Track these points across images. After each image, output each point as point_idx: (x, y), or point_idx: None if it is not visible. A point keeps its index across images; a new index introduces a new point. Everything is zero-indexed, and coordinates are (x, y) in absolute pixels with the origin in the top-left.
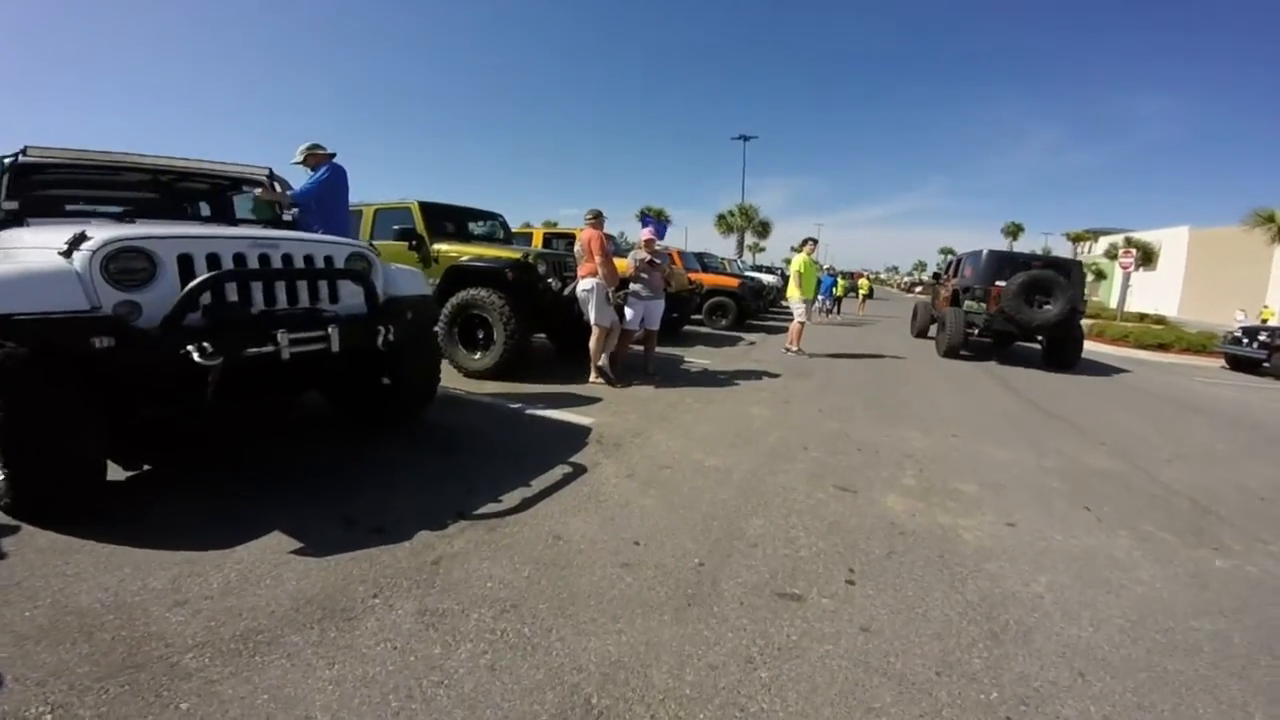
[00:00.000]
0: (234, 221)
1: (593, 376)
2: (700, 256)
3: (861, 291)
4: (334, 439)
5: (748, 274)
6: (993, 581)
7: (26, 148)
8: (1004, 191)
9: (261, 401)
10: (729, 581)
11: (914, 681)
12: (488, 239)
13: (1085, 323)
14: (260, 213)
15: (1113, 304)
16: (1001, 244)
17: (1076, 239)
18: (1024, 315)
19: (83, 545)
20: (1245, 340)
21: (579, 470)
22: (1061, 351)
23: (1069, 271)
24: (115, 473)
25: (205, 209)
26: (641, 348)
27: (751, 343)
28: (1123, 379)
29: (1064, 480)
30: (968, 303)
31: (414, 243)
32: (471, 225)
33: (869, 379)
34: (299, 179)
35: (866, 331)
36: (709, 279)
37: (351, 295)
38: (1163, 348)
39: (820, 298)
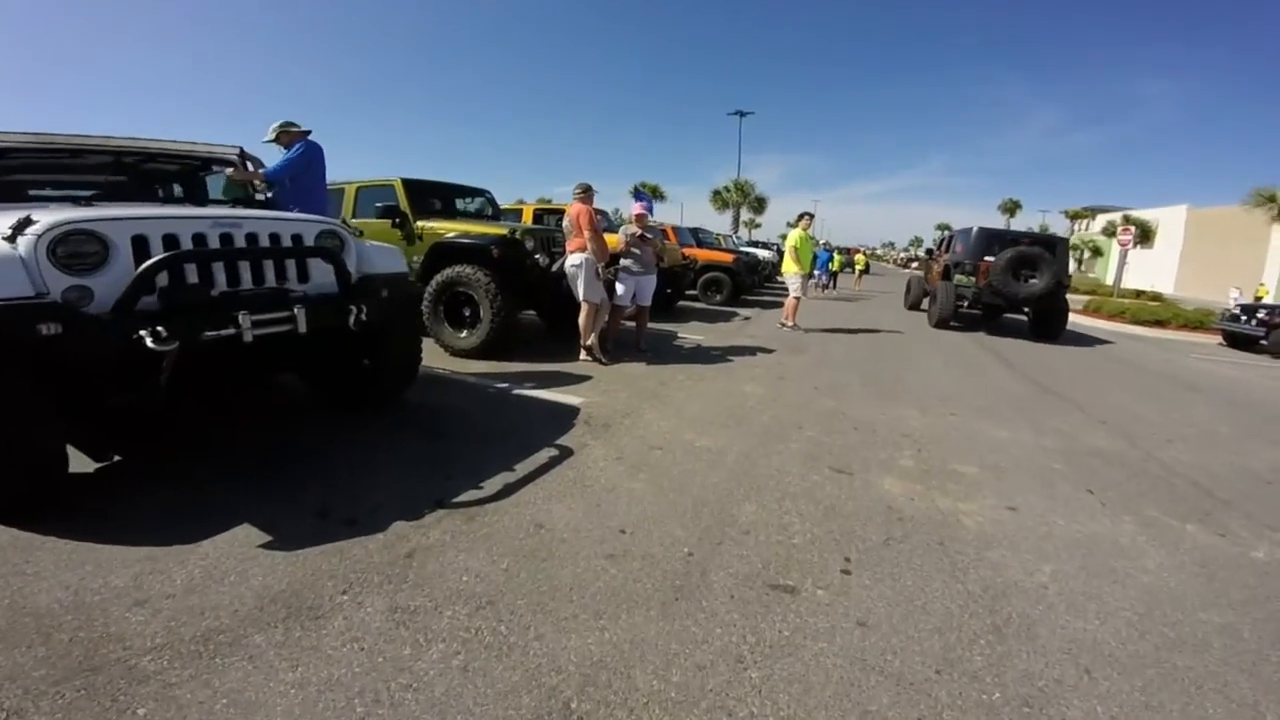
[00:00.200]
0: (206, 202)
1: (582, 354)
2: (695, 232)
3: (858, 267)
4: (312, 424)
5: (743, 249)
6: (995, 571)
7: None
8: (1003, 170)
9: (230, 387)
10: (719, 572)
11: (913, 681)
12: (475, 216)
13: (1082, 299)
14: (232, 193)
15: (1109, 280)
16: (999, 221)
17: (1074, 216)
18: (1011, 289)
19: (44, 542)
20: (1243, 318)
21: (565, 453)
22: (1047, 323)
23: (1054, 247)
24: (83, 464)
25: (178, 191)
26: (634, 324)
27: (746, 318)
28: (1119, 354)
29: (1065, 461)
30: (958, 277)
31: (397, 220)
32: (459, 202)
33: (865, 354)
34: (275, 159)
35: (862, 306)
36: (703, 254)
37: (323, 275)
38: (1160, 324)
39: (817, 273)
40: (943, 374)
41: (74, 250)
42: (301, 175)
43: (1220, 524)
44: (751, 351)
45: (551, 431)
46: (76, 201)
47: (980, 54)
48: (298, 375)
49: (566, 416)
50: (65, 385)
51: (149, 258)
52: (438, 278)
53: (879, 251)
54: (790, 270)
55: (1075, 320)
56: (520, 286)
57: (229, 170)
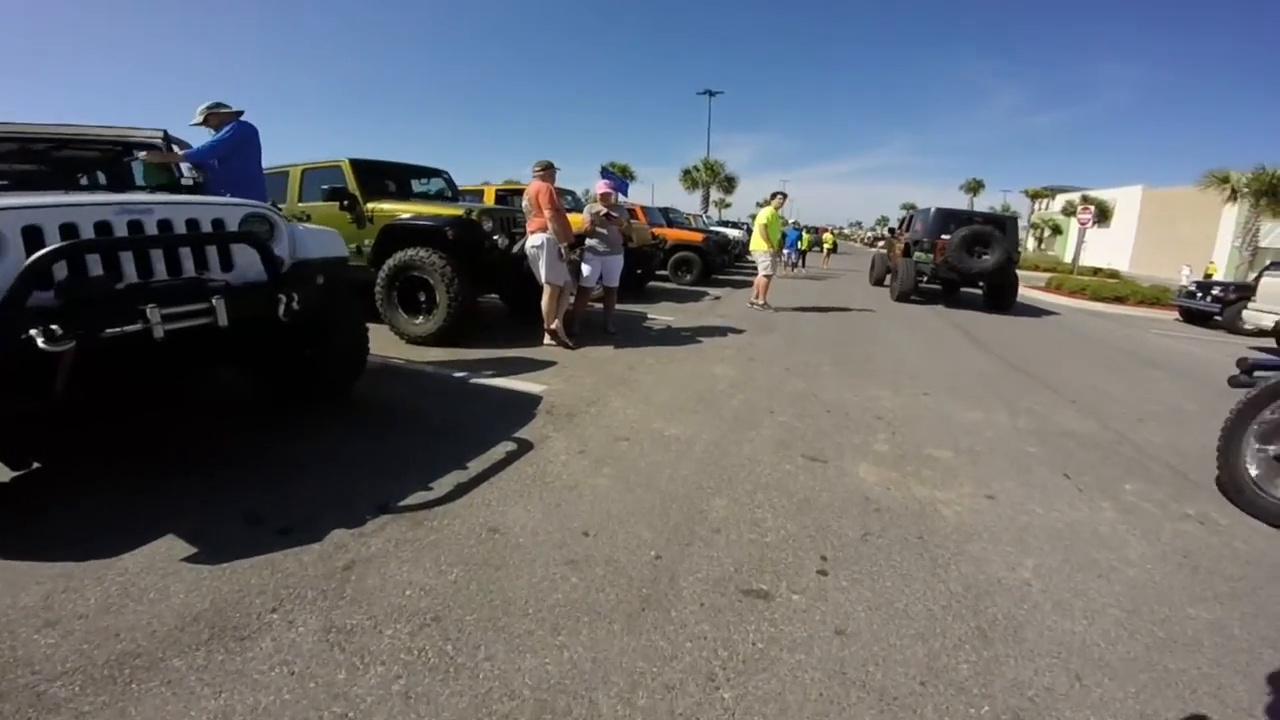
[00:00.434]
0: (133, 189)
1: (547, 339)
2: (665, 212)
3: (826, 246)
4: (250, 421)
5: (713, 229)
6: (976, 566)
7: None
8: (967, 150)
9: (149, 386)
10: (688, 577)
11: (896, 696)
12: (433, 197)
13: (1044, 276)
14: (153, 178)
15: (1068, 258)
16: (962, 200)
17: (1035, 196)
18: (965, 264)
19: None
20: (1199, 294)
21: (524, 447)
22: (999, 295)
23: (1004, 226)
24: None
25: (103, 178)
26: (601, 305)
27: (716, 298)
28: (1083, 330)
29: (1040, 444)
30: (917, 254)
31: (345, 202)
32: (415, 183)
33: (835, 333)
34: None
35: (830, 285)
36: (673, 234)
37: (251, 262)
38: (1119, 300)
39: (786, 251)
40: (912, 351)
41: None
42: (233, 158)
43: (1198, 509)
44: (722, 332)
45: (510, 423)
46: None
47: (944, 35)
48: (238, 370)
49: (527, 406)
50: None
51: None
52: (389, 261)
53: (846, 231)
54: (759, 248)
55: (1037, 297)
56: (478, 269)
57: (142, 154)
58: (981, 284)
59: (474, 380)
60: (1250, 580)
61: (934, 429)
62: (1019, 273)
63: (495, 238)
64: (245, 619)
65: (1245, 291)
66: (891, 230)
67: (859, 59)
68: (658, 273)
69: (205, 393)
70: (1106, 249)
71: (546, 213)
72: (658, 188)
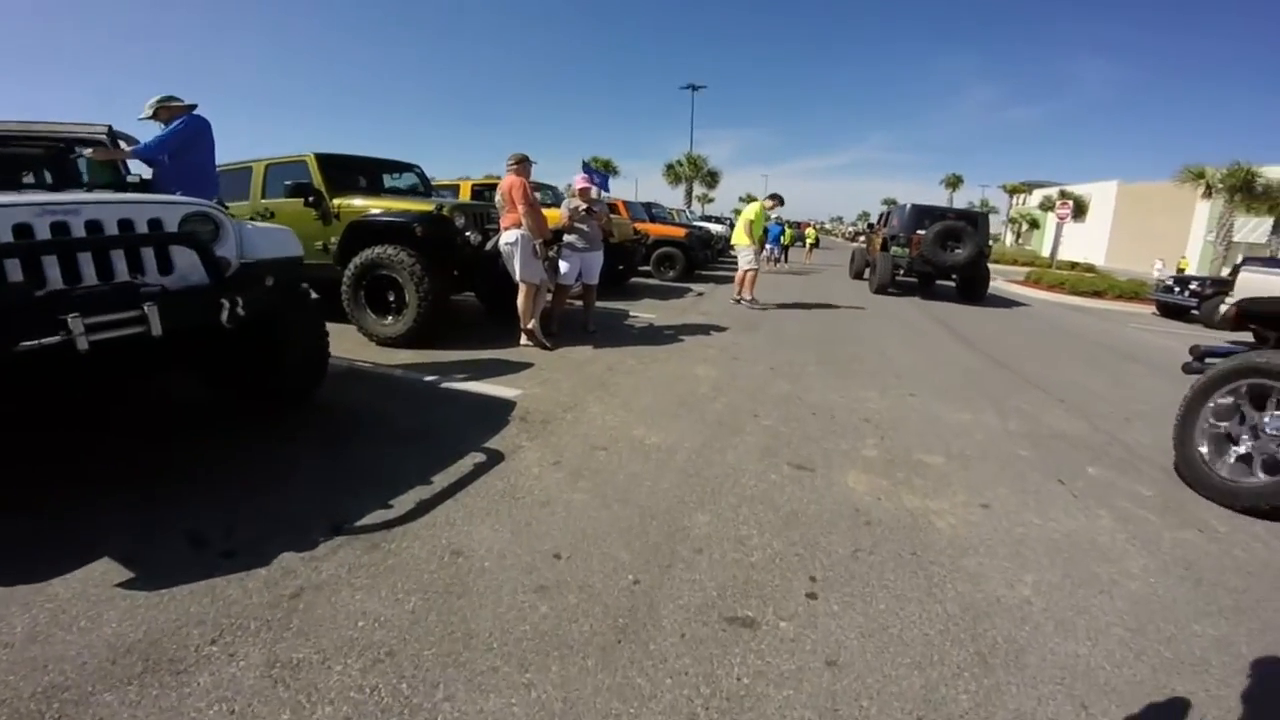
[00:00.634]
0: (81, 187)
1: (523, 339)
2: (648, 207)
3: (808, 240)
4: (200, 430)
5: (696, 224)
6: (974, 584)
7: None
8: (947, 145)
9: (81, 398)
10: (669, 604)
11: None
12: (405, 193)
13: (1022, 270)
14: (98, 175)
15: (1046, 252)
16: (942, 194)
17: (1013, 191)
18: (939, 258)
19: None
20: (1176, 289)
21: (494, 458)
22: (971, 287)
23: (976, 222)
24: None
25: (49, 177)
26: (580, 303)
27: (700, 294)
28: (1061, 324)
29: (1031, 446)
30: (894, 248)
31: (311, 199)
32: (387, 178)
33: (818, 329)
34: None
35: (813, 280)
36: (655, 229)
37: (195, 264)
38: (1098, 294)
39: (769, 246)
40: (897, 348)
41: None
42: (185, 153)
43: (1194, 516)
44: (705, 330)
45: (481, 432)
46: None
47: (923, 31)
48: (187, 375)
49: (500, 413)
50: None
51: None
52: (356, 260)
53: (828, 225)
54: (742, 242)
55: (1016, 291)
56: (451, 267)
57: (88, 150)
58: (955, 277)
59: (444, 384)
60: (1254, 592)
61: (923, 432)
62: (996, 266)
63: (468, 234)
64: (183, 651)
65: (1222, 286)
66: (870, 225)
67: (840, 55)
68: (640, 268)
69: (150, 400)
70: (1082, 243)
71: (520, 208)
72: (641, 183)
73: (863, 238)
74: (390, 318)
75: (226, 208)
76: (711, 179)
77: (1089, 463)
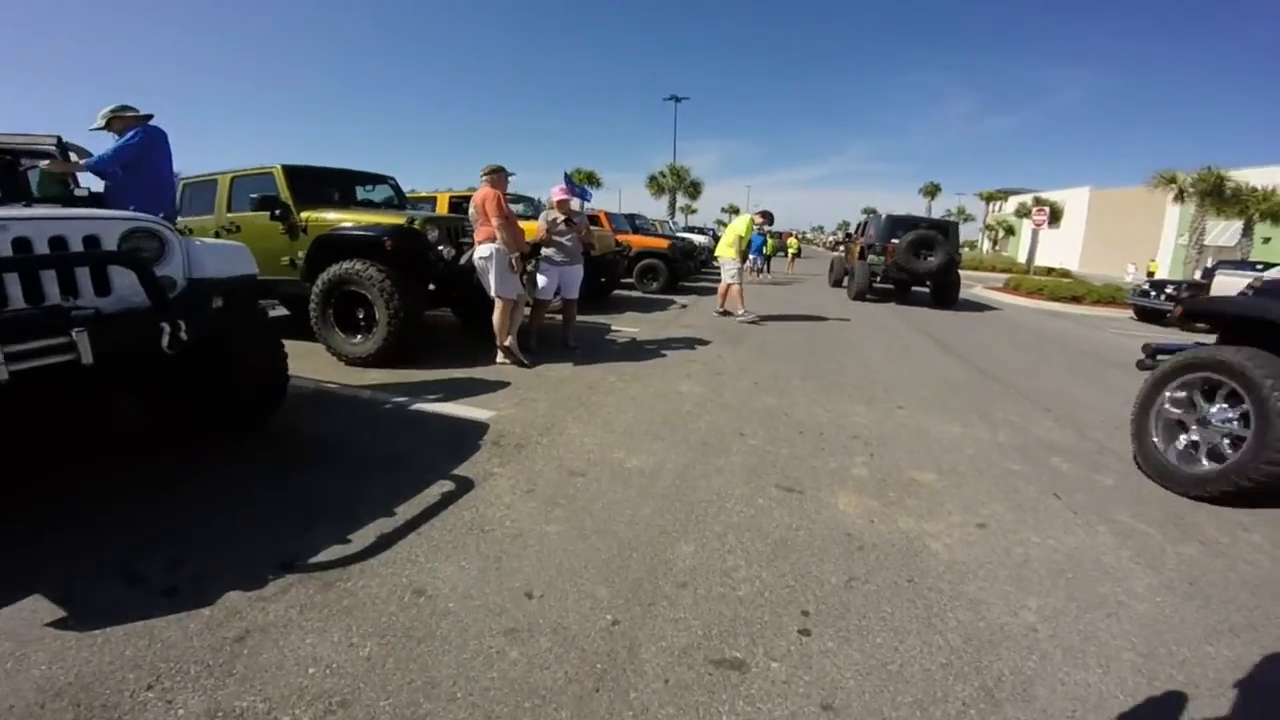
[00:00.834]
0: (31, 201)
1: (499, 357)
2: (631, 218)
3: (791, 251)
4: (146, 457)
5: (679, 235)
6: (975, 611)
7: None
8: (925, 155)
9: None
10: (651, 647)
11: None
12: (379, 205)
13: (1001, 277)
14: (47, 189)
15: (1022, 259)
16: (920, 203)
17: (989, 199)
18: (912, 265)
19: None
20: (1153, 293)
21: (464, 486)
22: (944, 293)
23: (947, 231)
24: None
25: None
26: (560, 318)
27: (684, 306)
28: (1041, 330)
29: (1023, 460)
30: (871, 257)
31: (276, 212)
32: (360, 190)
33: (802, 340)
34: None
35: (795, 290)
36: (638, 240)
37: (135, 285)
38: (1076, 300)
39: (752, 257)
40: (881, 359)
41: None
42: (139, 165)
43: (1194, 527)
44: (689, 344)
45: (450, 457)
46: None
47: (899, 45)
48: (133, 399)
49: (472, 436)
50: None
51: None
52: (323, 276)
53: (809, 235)
54: (727, 254)
55: (995, 297)
56: (423, 282)
57: (43, 163)
58: (928, 283)
59: (414, 406)
60: (1264, 609)
61: (913, 447)
62: (975, 274)
63: (440, 248)
64: (116, 697)
65: (1198, 290)
66: (848, 234)
67: (821, 68)
68: (623, 281)
69: (92, 423)
70: (1057, 249)
71: (494, 221)
72: (625, 194)
73: (841, 247)
74: (359, 336)
75: (176, 223)
76: (694, 190)
77: (1082, 474)
